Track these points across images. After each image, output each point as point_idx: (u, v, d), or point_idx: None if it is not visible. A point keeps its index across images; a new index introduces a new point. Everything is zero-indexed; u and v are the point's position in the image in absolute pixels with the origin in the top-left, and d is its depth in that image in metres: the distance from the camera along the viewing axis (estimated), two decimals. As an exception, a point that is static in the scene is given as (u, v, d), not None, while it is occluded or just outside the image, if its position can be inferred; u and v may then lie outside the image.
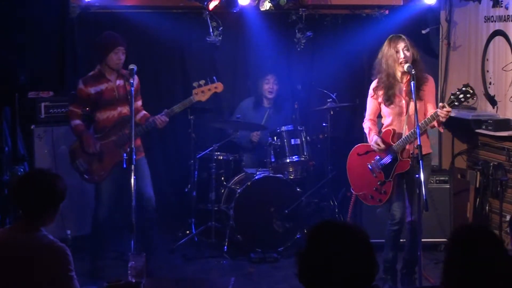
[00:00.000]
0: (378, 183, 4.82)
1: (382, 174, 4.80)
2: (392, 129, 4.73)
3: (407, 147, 4.69)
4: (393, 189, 4.76)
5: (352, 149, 5.06)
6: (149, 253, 4.78)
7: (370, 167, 4.87)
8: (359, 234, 2.07)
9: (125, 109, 5.13)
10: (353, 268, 2.00)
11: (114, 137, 5.14)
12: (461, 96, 4.43)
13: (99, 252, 5.31)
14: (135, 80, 4.88)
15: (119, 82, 5.17)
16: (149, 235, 5.24)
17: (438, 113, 4.45)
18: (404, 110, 4.70)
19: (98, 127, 5.18)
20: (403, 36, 4.71)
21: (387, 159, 4.76)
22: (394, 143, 4.71)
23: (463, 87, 4.45)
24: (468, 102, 4.55)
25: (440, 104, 4.51)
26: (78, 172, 5.20)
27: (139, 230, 4.79)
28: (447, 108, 4.43)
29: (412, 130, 4.58)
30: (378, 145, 4.71)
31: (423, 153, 4.41)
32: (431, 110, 4.64)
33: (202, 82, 5.24)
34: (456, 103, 4.46)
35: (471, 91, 4.42)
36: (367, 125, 4.91)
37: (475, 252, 2.18)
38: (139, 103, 5.28)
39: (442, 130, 4.94)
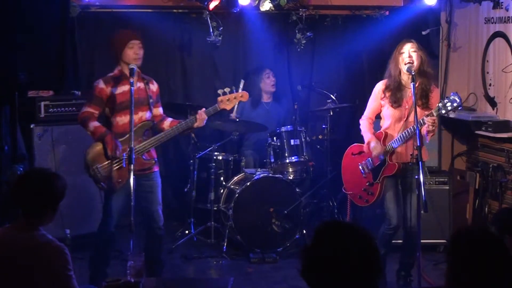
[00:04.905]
0: (367, 184, 4.84)
1: (370, 175, 4.82)
2: (384, 132, 4.74)
3: (398, 150, 4.69)
4: (380, 191, 4.77)
5: (348, 148, 5.08)
6: (158, 275, 4.72)
7: (360, 167, 4.90)
8: (365, 233, 2.09)
9: (146, 114, 4.73)
10: (356, 265, 2.01)
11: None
12: (448, 104, 4.37)
13: (101, 269, 4.76)
14: (154, 85, 4.81)
15: (140, 84, 4.74)
16: (159, 258, 4.90)
17: (425, 120, 4.44)
18: (405, 115, 4.70)
19: (117, 131, 4.67)
20: (413, 40, 4.71)
21: (376, 161, 4.77)
22: (385, 145, 4.72)
23: (451, 95, 4.40)
24: (454, 111, 4.44)
25: (426, 112, 4.52)
26: (94, 179, 4.67)
27: (146, 251, 4.49)
28: (433, 116, 4.42)
29: (401, 134, 4.60)
30: (375, 150, 4.72)
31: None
32: None
33: (227, 89, 4.81)
34: (442, 111, 4.39)
35: (458, 100, 4.35)
36: (364, 124, 4.89)
37: (477, 255, 2.17)
38: (160, 110, 4.90)
39: (427, 141, 4.67)
